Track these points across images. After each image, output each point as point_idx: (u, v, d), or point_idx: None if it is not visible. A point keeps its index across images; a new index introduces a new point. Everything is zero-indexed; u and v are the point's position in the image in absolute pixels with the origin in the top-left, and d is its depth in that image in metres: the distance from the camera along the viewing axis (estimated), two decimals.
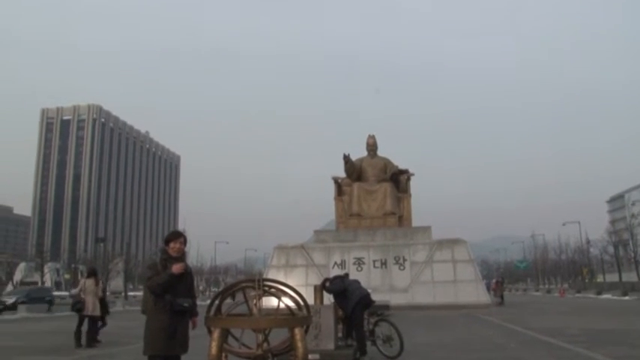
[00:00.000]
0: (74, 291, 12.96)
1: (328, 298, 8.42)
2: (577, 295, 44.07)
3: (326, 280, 8.77)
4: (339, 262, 25.24)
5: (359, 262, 24.98)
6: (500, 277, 37.04)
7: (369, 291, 8.63)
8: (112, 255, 71.08)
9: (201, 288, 68.57)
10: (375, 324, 8.52)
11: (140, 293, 54.29)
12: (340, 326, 8.29)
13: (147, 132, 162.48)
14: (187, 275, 4.88)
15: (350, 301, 8.10)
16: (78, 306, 11.41)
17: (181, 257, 4.94)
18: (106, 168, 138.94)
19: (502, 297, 29.51)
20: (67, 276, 72.32)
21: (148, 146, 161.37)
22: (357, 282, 8.65)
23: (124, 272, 60.79)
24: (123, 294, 55.85)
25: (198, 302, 5.46)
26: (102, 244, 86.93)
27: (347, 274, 9.13)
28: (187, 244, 5.18)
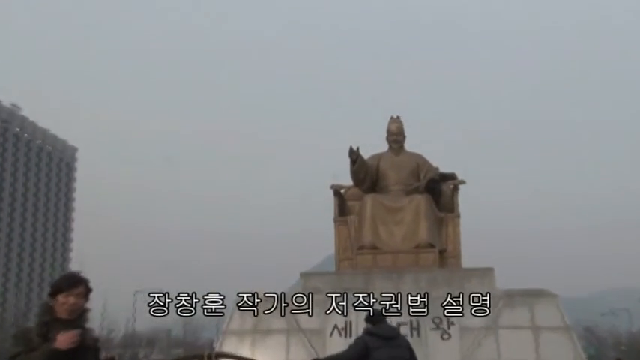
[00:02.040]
0: None
1: None
2: None
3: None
4: (341, 325, 22.54)
5: None
6: (620, 358, 35.08)
7: None
8: None
9: None
10: None
11: None
12: None
13: (14, 105, 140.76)
14: (86, 352, 4.92)
15: None
16: None
17: (77, 320, 4.98)
18: None
19: None
20: None
21: (18, 130, 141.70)
22: (395, 340, 8.67)
23: None
24: None
25: None
26: None
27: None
28: (89, 298, 5.24)
